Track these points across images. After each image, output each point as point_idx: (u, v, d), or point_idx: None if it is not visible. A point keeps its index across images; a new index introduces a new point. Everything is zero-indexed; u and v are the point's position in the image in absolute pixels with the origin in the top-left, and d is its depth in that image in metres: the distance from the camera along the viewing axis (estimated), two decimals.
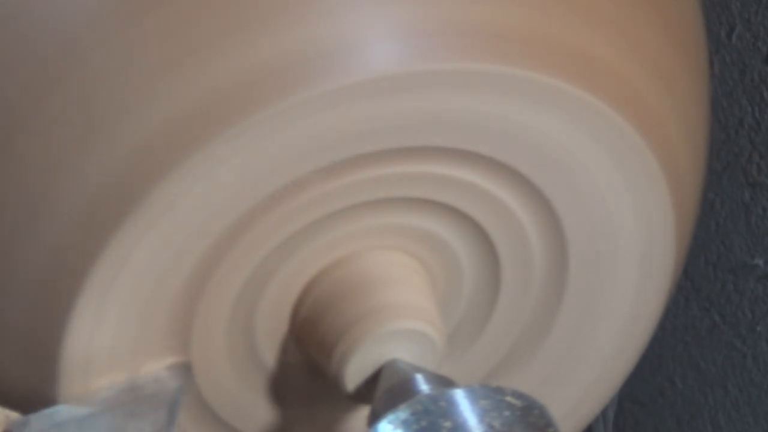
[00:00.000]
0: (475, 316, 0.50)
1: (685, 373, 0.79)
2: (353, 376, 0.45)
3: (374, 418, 0.41)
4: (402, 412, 0.39)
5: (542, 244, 0.47)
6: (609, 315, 0.50)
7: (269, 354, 0.47)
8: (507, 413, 0.40)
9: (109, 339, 0.41)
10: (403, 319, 0.45)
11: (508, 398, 0.40)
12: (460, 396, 0.40)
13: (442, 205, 0.45)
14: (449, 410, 0.39)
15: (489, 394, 0.40)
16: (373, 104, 0.39)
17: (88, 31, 0.38)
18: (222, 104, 0.38)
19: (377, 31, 0.39)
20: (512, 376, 0.51)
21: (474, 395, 0.40)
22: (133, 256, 0.40)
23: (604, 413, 0.82)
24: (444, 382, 0.42)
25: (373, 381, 0.45)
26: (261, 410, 0.48)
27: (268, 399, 0.48)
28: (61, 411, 0.41)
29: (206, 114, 0.38)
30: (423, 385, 0.42)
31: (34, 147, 0.39)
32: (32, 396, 0.42)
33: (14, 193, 0.39)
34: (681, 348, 0.78)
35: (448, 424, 0.39)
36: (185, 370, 0.44)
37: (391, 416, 0.39)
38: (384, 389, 0.43)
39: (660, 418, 0.83)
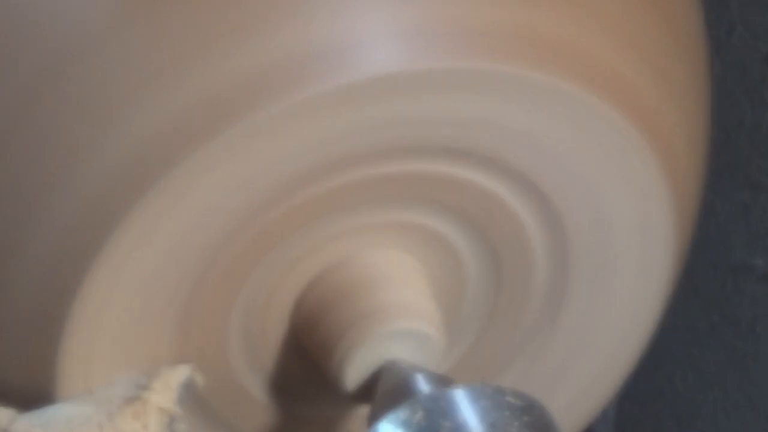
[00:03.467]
0: (477, 316, 0.50)
1: (685, 373, 0.79)
2: (353, 376, 0.45)
3: (374, 418, 0.41)
4: (402, 412, 0.39)
5: (543, 243, 0.47)
6: (609, 315, 0.50)
7: (269, 354, 0.47)
8: (507, 413, 0.40)
9: (109, 338, 0.41)
10: (403, 318, 0.45)
11: (509, 398, 0.40)
12: (460, 396, 0.40)
13: (442, 204, 0.45)
14: (449, 410, 0.39)
15: (489, 394, 0.40)
16: (373, 103, 0.39)
17: (84, 33, 0.38)
18: (222, 104, 0.38)
19: (378, 30, 0.39)
20: (513, 376, 0.51)
21: (474, 395, 0.40)
22: (133, 255, 0.40)
23: (604, 413, 0.82)
24: (444, 382, 0.42)
25: (373, 381, 0.45)
26: (261, 410, 0.48)
27: (268, 399, 0.48)
28: (60, 408, 0.41)
29: (206, 114, 0.38)
30: (423, 385, 0.42)
31: (33, 145, 0.39)
32: (32, 394, 0.42)
33: (14, 191, 0.39)
34: (681, 348, 0.78)
35: (448, 424, 0.39)
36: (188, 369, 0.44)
37: (391, 416, 0.39)
38: (384, 389, 0.43)
39: (660, 418, 0.83)
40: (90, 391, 0.42)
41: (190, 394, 0.43)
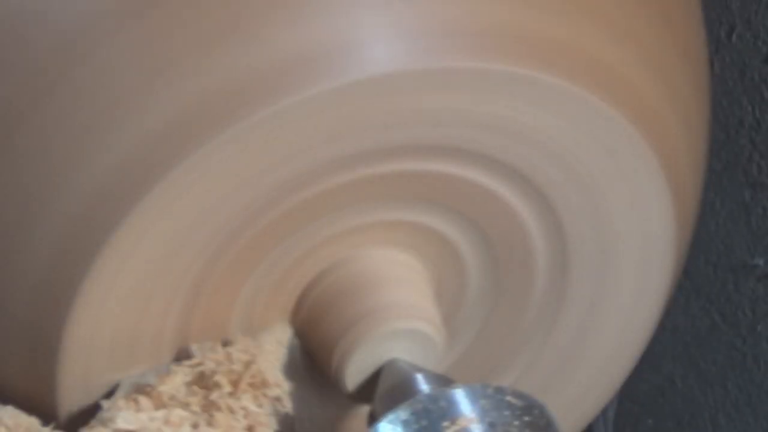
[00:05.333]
0: (477, 316, 0.50)
1: (685, 373, 0.79)
2: (353, 376, 0.45)
3: (374, 418, 0.42)
4: (402, 412, 0.39)
5: (543, 243, 0.47)
6: (609, 315, 0.50)
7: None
8: (507, 413, 0.40)
9: (109, 337, 0.41)
10: (403, 318, 0.45)
11: (509, 398, 0.40)
12: (460, 395, 0.40)
13: (443, 203, 0.45)
14: (449, 410, 0.39)
15: (489, 394, 0.40)
16: (374, 103, 0.39)
17: (87, 32, 0.38)
18: (224, 103, 0.38)
19: (379, 30, 0.39)
20: (513, 375, 0.51)
21: (474, 394, 0.40)
22: (133, 256, 0.40)
23: (604, 413, 0.82)
24: (444, 382, 0.42)
25: (373, 381, 0.45)
26: None
27: None
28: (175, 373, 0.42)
29: (209, 112, 0.38)
30: (423, 385, 0.42)
31: (35, 143, 0.39)
32: (32, 394, 0.42)
33: (15, 191, 0.39)
34: (681, 348, 0.78)
35: (448, 423, 0.39)
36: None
37: (391, 416, 0.39)
38: (384, 389, 0.43)
39: (660, 418, 0.83)
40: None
41: (292, 356, 0.43)
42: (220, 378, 0.41)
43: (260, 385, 0.41)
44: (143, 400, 0.41)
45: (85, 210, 0.39)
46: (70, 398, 0.42)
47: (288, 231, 0.43)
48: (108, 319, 0.41)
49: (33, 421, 0.41)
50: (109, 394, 0.42)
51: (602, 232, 0.47)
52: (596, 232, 0.47)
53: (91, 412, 0.42)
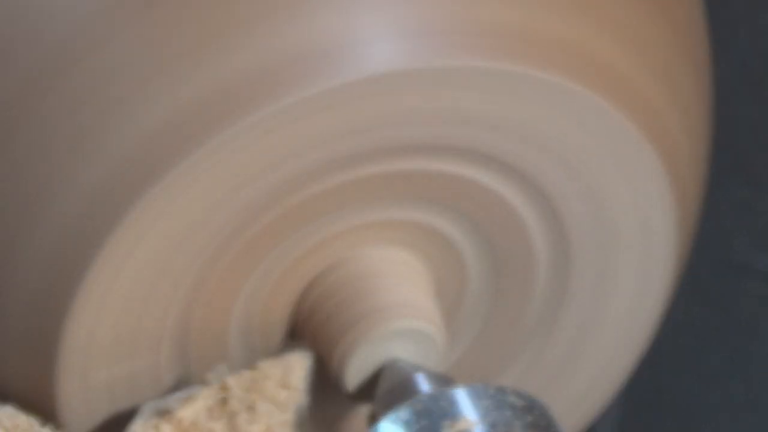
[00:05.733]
0: (478, 315, 0.50)
1: (686, 373, 0.79)
2: (353, 375, 0.45)
3: (375, 418, 0.41)
4: (403, 412, 0.39)
5: (544, 243, 0.47)
6: (610, 315, 0.50)
7: (270, 354, 0.47)
8: (508, 413, 0.40)
9: (108, 337, 0.41)
10: (403, 318, 0.45)
11: (510, 397, 0.40)
12: (461, 395, 0.40)
13: (443, 202, 0.45)
14: (450, 410, 0.39)
15: (490, 394, 0.40)
16: (374, 101, 0.39)
17: (86, 32, 0.38)
18: (222, 103, 0.38)
19: (379, 28, 0.39)
20: (514, 375, 0.51)
21: (475, 394, 0.40)
22: (132, 256, 0.40)
23: (605, 413, 0.82)
24: (445, 382, 0.42)
25: (373, 381, 0.45)
26: None
27: None
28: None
29: (207, 111, 0.38)
30: (424, 385, 0.42)
31: (34, 144, 0.39)
32: (31, 393, 0.42)
33: (14, 191, 0.39)
34: (682, 348, 0.78)
35: (449, 423, 0.39)
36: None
37: (391, 416, 0.39)
38: (384, 389, 0.43)
39: (660, 418, 0.83)
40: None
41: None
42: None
43: None
44: (164, 426, 0.40)
45: (85, 210, 0.39)
46: (69, 398, 0.42)
47: (288, 231, 0.43)
48: (107, 319, 0.41)
49: (32, 421, 0.41)
50: (129, 419, 0.42)
51: (603, 232, 0.47)
52: (597, 231, 0.47)
53: (89, 412, 0.42)
